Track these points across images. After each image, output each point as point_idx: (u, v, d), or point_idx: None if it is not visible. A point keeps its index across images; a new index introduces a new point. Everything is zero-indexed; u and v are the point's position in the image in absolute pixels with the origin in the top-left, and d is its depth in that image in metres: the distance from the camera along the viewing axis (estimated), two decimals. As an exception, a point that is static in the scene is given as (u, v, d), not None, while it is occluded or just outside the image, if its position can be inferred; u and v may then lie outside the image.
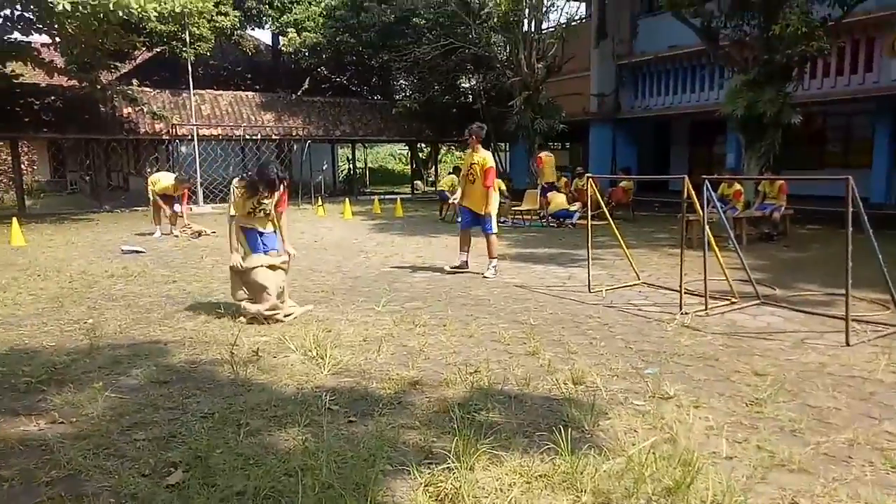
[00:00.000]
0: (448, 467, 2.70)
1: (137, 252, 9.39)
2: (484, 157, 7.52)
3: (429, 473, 2.70)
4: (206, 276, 7.60)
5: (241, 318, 5.29)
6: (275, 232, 5.72)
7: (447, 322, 5.31)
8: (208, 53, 21.11)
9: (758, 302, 5.81)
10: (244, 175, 5.64)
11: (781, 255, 8.94)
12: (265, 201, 5.49)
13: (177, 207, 11.67)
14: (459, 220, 8.20)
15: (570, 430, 3.04)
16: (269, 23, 23.35)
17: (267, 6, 22.56)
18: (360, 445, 2.98)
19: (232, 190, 5.46)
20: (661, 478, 2.62)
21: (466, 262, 7.80)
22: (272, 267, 5.57)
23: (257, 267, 5.39)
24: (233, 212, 5.44)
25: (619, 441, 3.02)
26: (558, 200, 13.22)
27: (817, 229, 11.48)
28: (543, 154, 14.51)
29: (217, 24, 20.70)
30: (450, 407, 3.41)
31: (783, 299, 6.00)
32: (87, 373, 4.05)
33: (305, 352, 4.42)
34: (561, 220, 13.07)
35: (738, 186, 10.48)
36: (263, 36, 27.43)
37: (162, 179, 11.38)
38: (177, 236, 11.33)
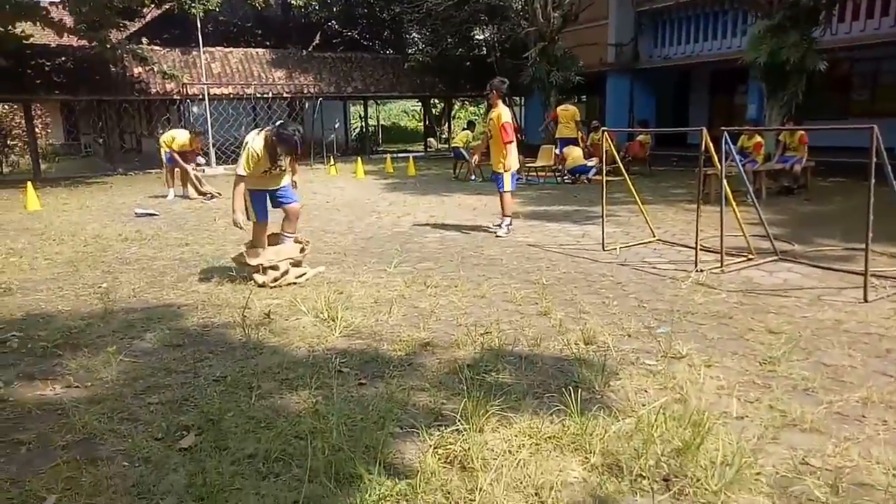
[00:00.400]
0: (457, 429, 2.71)
1: (151, 215, 9.44)
2: (500, 111, 7.35)
3: (438, 435, 2.70)
4: (218, 238, 7.63)
5: (253, 281, 5.30)
6: (288, 184, 5.57)
7: (458, 283, 5.29)
8: (217, 9, 20.69)
9: (775, 258, 5.71)
10: (264, 131, 5.22)
11: (801, 209, 8.75)
12: (281, 161, 5.30)
13: (200, 159, 11.67)
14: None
15: (580, 390, 3.02)
16: (278, -25, 22.86)
17: (275, -42, 22.07)
18: (370, 408, 2.99)
19: (247, 148, 5.11)
20: (671, 438, 2.60)
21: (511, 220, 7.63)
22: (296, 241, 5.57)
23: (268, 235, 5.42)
24: (243, 171, 5.14)
25: (630, 402, 3.00)
26: (575, 155, 12.99)
27: (840, 181, 11.20)
28: (560, 107, 14.19)
29: (226, -22, 20.29)
30: (460, 368, 3.41)
31: (801, 255, 5.89)
32: (102, 337, 4.10)
33: (317, 314, 4.43)
34: (577, 175, 12.88)
35: (758, 138, 10.18)
36: (272, -10, 26.87)
37: (177, 136, 11.13)
38: (191, 198, 11.32)
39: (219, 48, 21.03)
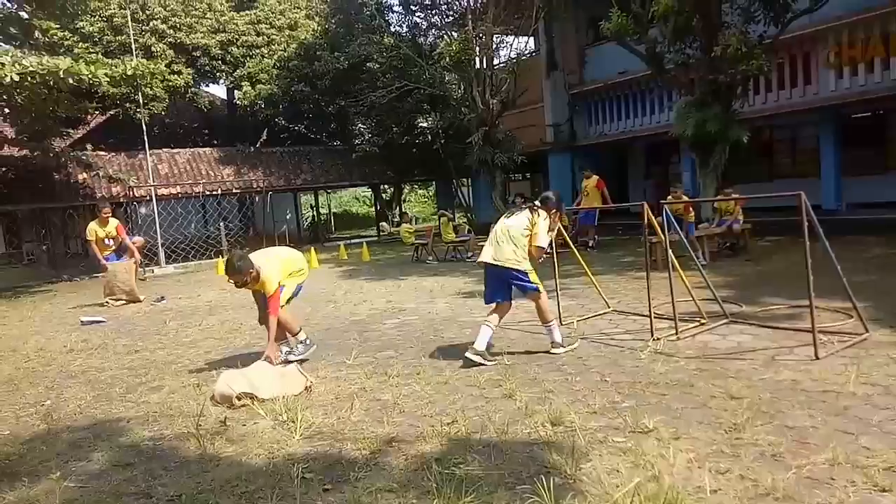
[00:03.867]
0: (429, 531, 2.60)
1: (98, 322, 9.09)
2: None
3: (410, 540, 2.59)
4: (170, 342, 7.37)
5: (207, 387, 5.09)
6: None
7: (421, 370, 5.21)
8: (163, 112, 21.00)
9: (726, 321, 5.86)
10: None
11: (744, 270, 9.08)
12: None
13: (132, 239, 10.65)
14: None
15: (552, 477, 2.96)
16: (223, 78, 23.36)
17: (220, 62, 22.60)
18: (337, 516, 2.85)
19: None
20: (648, 521, 2.56)
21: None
22: None
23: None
24: None
25: (603, 485, 2.95)
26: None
27: (776, 240, 11.73)
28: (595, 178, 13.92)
29: (171, 83, 20.64)
30: (428, 464, 3.31)
31: (750, 315, 6.06)
32: (45, 462, 3.83)
33: (276, 416, 4.27)
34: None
35: (684, 198, 10.50)
36: (218, 91, 27.47)
37: (90, 226, 10.51)
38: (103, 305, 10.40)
39: (165, 150, 21.12)
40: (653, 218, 6.07)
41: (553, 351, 5.37)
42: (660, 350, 5.16)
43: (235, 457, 3.68)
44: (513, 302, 5.59)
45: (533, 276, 5.31)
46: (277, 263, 5.58)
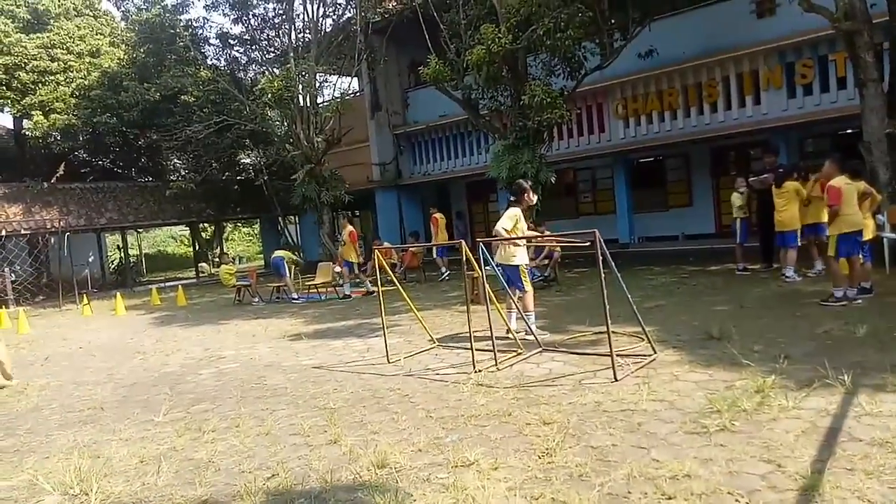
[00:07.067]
0: None
1: None
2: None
3: None
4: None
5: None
6: None
7: (240, 421, 4.90)
8: (-73, 141, 18.07)
9: (539, 350, 6.26)
10: None
11: (555, 301, 9.81)
12: None
13: None
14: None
15: (374, 523, 2.91)
16: (9, 105, 20.72)
17: (4, 88, 20.02)
18: None
19: None
20: (468, 555, 2.60)
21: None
22: None
23: None
24: None
25: (426, 524, 2.96)
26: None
27: (582, 271, 12.89)
28: (437, 214, 14.57)
29: (-63, 108, 17.89)
30: (244, 524, 3.10)
31: (560, 344, 6.53)
32: None
33: (66, 490, 3.75)
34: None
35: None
36: (2, 119, 24.26)
37: None
38: None
39: (-69, 184, 18.15)
40: (471, 255, 6.37)
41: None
42: (481, 382, 5.36)
43: (10, 545, 3.16)
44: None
45: None
46: None
